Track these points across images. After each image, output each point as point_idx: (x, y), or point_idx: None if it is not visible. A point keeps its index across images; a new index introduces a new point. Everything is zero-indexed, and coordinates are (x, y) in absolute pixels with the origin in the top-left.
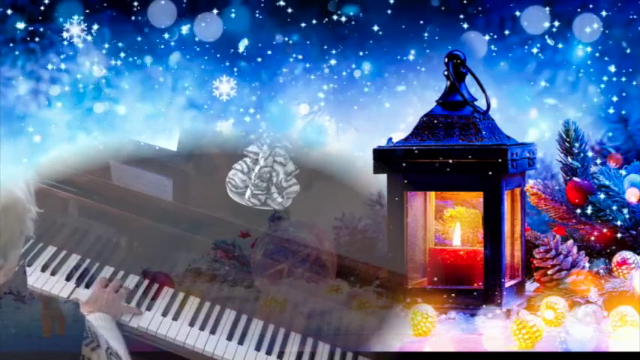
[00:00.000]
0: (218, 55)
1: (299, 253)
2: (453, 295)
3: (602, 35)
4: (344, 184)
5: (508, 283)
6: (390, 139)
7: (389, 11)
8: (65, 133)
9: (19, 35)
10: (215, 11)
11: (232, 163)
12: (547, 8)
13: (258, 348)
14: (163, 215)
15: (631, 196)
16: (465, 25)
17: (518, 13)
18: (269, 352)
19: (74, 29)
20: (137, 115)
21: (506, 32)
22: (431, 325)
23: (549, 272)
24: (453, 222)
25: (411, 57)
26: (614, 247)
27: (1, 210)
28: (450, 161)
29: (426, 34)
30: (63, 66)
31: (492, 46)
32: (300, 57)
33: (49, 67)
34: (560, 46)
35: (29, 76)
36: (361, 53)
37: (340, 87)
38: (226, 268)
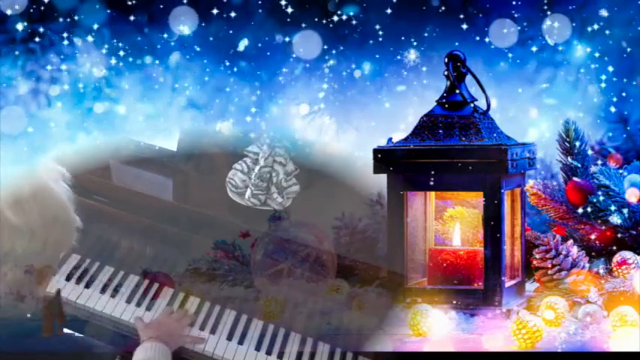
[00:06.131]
0: (218, 55)
1: (299, 253)
2: (453, 295)
3: (602, 35)
4: (344, 184)
5: (508, 283)
6: (390, 139)
7: (389, 11)
8: (65, 133)
9: (19, 35)
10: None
11: (232, 163)
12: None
13: (258, 348)
14: (163, 215)
15: (631, 196)
16: (465, 25)
17: (517, 15)
18: (269, 352)
19: (74, 29)
20: (137, 115)
21: (505, 32)
22: (431, 325)
23: (549, 272)
24: (452, 222)
25: (411, 57)
26: (614, 247)
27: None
28: (450, 161)
29: (426, 34)
30: (63, 66)
31: (492, 46)
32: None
33: (49, 67)
34: (559, 47)
35: (29, 76)
36: (361, 53)
37: (340, 87)
38: (226, 268)
